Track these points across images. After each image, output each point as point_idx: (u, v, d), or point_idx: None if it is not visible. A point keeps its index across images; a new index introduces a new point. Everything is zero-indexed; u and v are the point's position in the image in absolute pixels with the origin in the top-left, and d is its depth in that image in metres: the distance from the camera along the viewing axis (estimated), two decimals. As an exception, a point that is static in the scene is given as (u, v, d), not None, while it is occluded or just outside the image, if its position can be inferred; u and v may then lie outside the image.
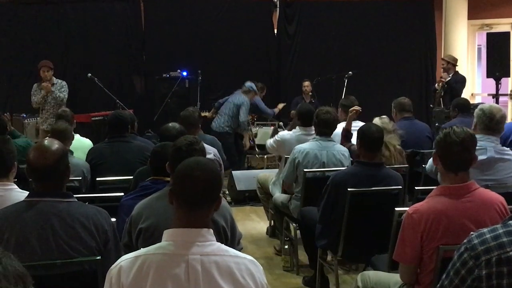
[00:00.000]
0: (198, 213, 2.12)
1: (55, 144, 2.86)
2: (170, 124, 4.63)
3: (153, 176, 3.69)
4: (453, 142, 2.94)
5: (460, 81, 9.26)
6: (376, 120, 5.21)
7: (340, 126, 5.87)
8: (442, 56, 9.84)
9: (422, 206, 2.95)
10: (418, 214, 2.91)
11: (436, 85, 9.30)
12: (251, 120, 9.80)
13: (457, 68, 9.68)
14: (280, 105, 10.22)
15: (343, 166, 5.09)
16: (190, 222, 2.11)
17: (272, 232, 6.44)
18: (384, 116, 5.41)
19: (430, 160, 4.78)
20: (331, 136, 5.31)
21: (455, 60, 9.59)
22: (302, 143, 5.40)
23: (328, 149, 5.19)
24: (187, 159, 2.26)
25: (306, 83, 10.34)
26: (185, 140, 3.31)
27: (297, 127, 5.89)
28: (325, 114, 5.22)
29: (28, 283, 1.34)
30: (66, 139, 4.92)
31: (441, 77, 9.28)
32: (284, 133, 6.12)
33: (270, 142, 6.16)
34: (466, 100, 7.08)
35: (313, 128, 5.50)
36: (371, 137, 4.23)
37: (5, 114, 7.99)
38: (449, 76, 9.45)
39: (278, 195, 5.73)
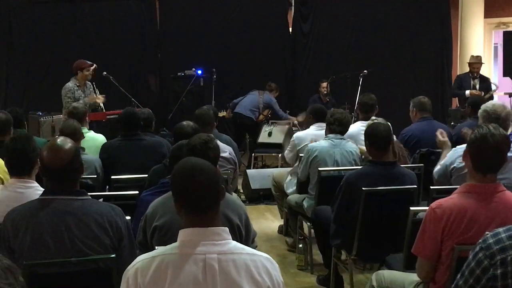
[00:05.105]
0: (209, 214, 2.13)
1: (68, 143, 2.86)
2: (184, 123, 4.62)
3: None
4: (489, 145, 2.88)
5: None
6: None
7: (356, 126, 5.87)
8: (473, 61, 9.65)
9: (446, 202, 2.93)
10: (441, 209, 2.89)
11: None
12: (265, 118, 9.78)
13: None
14: (300, 118, 10.11)
15: (357, 164, 5.13)
16: (202, 223, 2.11)
17: (285, 230, 6.43)
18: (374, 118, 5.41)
19: (438, 167, 4.70)
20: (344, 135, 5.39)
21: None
22: (317, 135, 5.69)
23: (340, 147, 5.26)
24: (180, 165, 2.22)
25: (324, 84, 10.22)
26: (200, 139, 3.34)
27: (312, 125, 6.02)
28: (340, 114, 5.35)
29: (18, 274, 1.37)
30: (76, 140, 4.94)
31: (476, 94, 9.19)
32: (298, 133, 6.22)
33: (287, 152, 6.13)
34: (482, 99, 7.03)
35: (325, 123, 5.70)
36: (379, 136, 4.22)
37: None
38: (476, 77, 9.41)
39: (292, 196, 5.74)
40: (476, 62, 9.45)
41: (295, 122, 9.46)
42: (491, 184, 2.93)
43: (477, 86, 9.36)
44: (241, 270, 2.05)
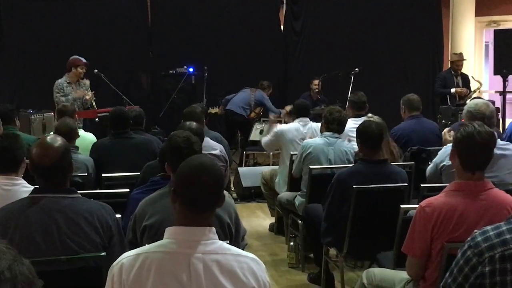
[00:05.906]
0: (204, 215, 2.11)
1: (58, 141, 2.85)
2: (187, 123, 4.57)
3: (163, 172, 3.67)
4: (476, 143, 2.88)
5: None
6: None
7: (348, 123, 5.88)
8: (457, 58, 9.67)
9: (436, 200, 2.93)
10: (431, 208, 2.90)
11: (466, 100, 9.09)
12: (257, 115, 9.78)
13: (465, 65, 9.67)
14: (288, 108, 10.14)
15: (350, 163, 5.13)
16: (194, 221, 2.09)
17: (277, 228, 6.44)
18: (371, 115, 5.42)
19: (430, 166, 4.70)
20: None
21: None
22: (299, 131, 6.11)
23: (335, 146, 5.25)
24: (190, 160, 2.20)
25: (316, 82, 10.20)
26: (180, 138, 3.26)
27: (295, 120, 6.30)
28: (338, 113, 5.34)
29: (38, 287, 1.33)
30: (70, 138, 4.93)
31: (461, 91, 9.21)
32: (281, 126, 6.46)
33: (266, 138, 6.35)
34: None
35: (308, 119, 6.21)
36: (371, 134, 4.23)
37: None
38: (459, 74, 9.45)
39: (283, 194, 5.75)
40: (460, 60, 9.51)
41: (283, 112, 9.47)
42: (479, 182, 2.94)
43: (460, 84, 9.42)
44: (225, 270, 2.04)
